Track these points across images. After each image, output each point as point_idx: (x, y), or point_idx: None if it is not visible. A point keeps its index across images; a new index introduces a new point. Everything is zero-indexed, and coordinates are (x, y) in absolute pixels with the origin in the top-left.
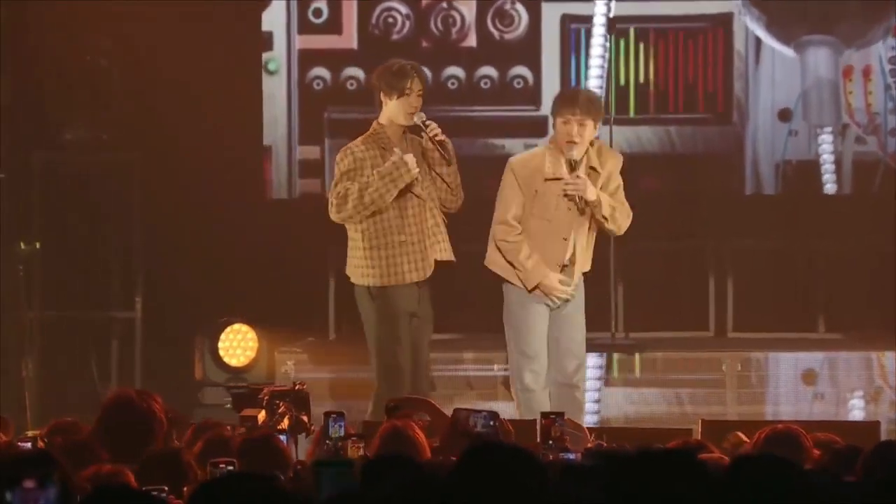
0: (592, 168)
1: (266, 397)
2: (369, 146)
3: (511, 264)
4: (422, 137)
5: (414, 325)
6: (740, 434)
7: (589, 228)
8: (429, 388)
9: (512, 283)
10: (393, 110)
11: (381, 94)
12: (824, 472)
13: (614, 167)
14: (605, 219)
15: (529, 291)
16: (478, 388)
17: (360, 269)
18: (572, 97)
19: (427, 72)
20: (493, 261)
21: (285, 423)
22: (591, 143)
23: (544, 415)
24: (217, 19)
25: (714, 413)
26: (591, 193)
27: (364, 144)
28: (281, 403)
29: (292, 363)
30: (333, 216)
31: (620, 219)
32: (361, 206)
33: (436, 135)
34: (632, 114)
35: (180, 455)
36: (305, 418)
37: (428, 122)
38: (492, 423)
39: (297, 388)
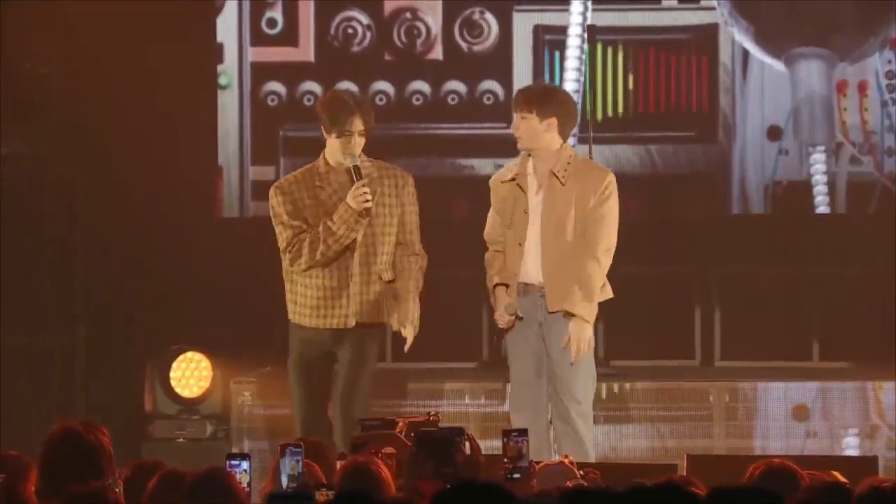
0: (554, 175)
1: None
2: (299, 185)
3: None
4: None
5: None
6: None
7: (559, 241)
8: None
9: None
10: (333, 149)
11: (322, 128)
12: None
13: (594, 183)
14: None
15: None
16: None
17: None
18: (518, 91)
19: (390, 87)
20: None
21: None
22: (568, 153)
23: (506, 433)
24: (167, 26)
25: (700, 447)
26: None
27: (294, 183)
28: None
29: (249, 394)
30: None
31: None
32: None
33: (366, 199)
34: (610, 132)
35: (106, 493)
36: None
37: (361, 174)
38: (457, 439)
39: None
